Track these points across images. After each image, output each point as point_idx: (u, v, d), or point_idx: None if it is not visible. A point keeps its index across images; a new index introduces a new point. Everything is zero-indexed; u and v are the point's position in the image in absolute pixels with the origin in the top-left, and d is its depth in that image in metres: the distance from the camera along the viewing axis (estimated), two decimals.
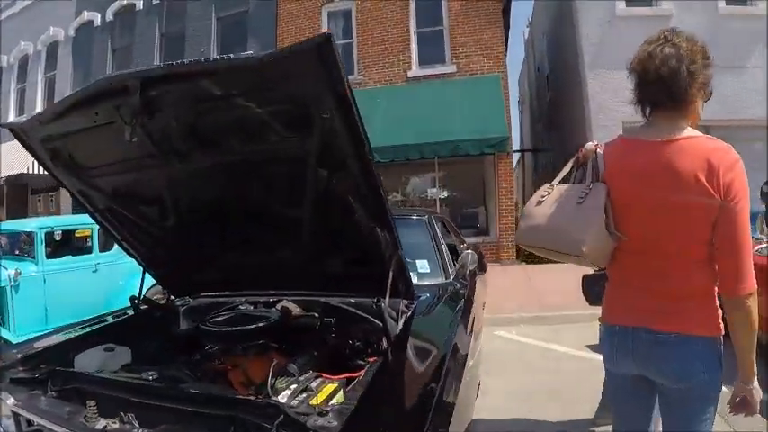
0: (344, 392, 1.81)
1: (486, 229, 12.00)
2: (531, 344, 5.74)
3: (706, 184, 1.48)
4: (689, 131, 1.58)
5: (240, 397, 1.66)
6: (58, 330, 2.39)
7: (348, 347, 2.37)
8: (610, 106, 10.58)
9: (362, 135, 1.65)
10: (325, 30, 11.77)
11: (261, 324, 2.22)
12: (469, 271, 3.68)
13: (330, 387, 1.87)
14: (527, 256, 11.95)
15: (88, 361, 2.05)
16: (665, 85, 1.55)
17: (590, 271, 3.18)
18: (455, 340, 2.19)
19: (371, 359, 2.25)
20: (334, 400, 1.76)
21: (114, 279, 6.24)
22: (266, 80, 1.56)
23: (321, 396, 1.78)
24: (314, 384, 1.86)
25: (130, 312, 2.67)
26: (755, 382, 1.59)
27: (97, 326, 2.47)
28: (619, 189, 1.63)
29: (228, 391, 1.85)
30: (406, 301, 2.37)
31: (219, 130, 1.83)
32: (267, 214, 2.16)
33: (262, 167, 1.97)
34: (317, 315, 2.65)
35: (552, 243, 1.72)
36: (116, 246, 6.12)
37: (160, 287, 4.74)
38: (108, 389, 1.68)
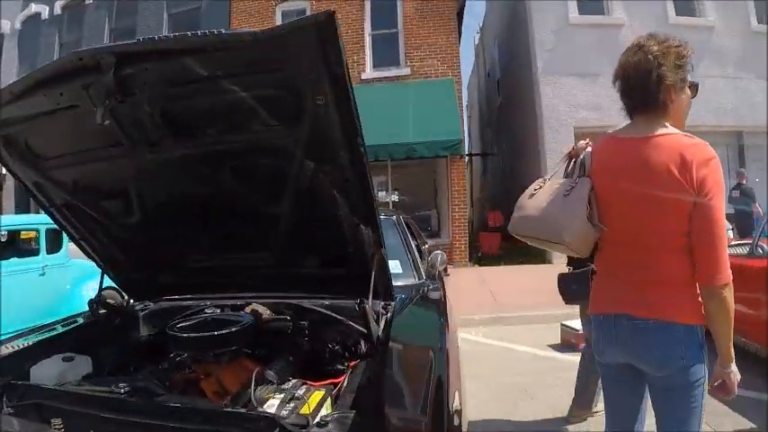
0: (333, 400, 1.72)
1: (438, 231, 12.12)
2: (495, 345, 5.78)
3: (679, 177, 1.56)
4: (667, 129, 1.66)
5: (229, 410, 1.52)
6: (7, 339, 2.16)
7: (326, 351, 2.26)
8: (562, 111, 10.94)
9: (357, 124, 1.56)
10: None
11: (234, 329, 2.08)
12: (438, 272, 3.66)
13: (318, 394, 1.75)
14: (479, 259, 12.15)
15: (45, 372, 1.86)
16: (638, 91, 1.68)
17: (565, 270, 3.30)
18: (442, 341, 2.14)
19: (351, 363, 2.16)
20: (323, 409, 1.66)
21: (62, 283, 5.86)
22: (257, 60, 1.43)
23: (311, 404, 1.68)
24: (300, 392, 1.75)
25: (83, 319, 2.47)
26: (733, 366, 1.67)
27: (52, 333, 2.26)
28: (602, 183, 1.73)
29: (216, 405, 1.70)
30: (383, 303, 2.28)
31: (197, 116, 1.68)
32: (242, 211, 2.03)
33: (240, 159, 1.83)
34: (289, 318, 2.54)
35: (541, 232, 1.81)
36: (64, 248, 5.88)
37: (113, 291, 4.52)
38: (75, 404, 1.51)
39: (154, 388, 1.78)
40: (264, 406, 1.65)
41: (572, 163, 1.85)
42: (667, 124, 1.68)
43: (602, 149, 1.79)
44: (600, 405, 3.56)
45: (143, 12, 13.47)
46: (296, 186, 1.86)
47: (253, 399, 1.68)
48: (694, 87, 1.76)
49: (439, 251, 3.96)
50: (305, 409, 1.59)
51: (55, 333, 2.25)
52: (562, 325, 5.74)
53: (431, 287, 3.12)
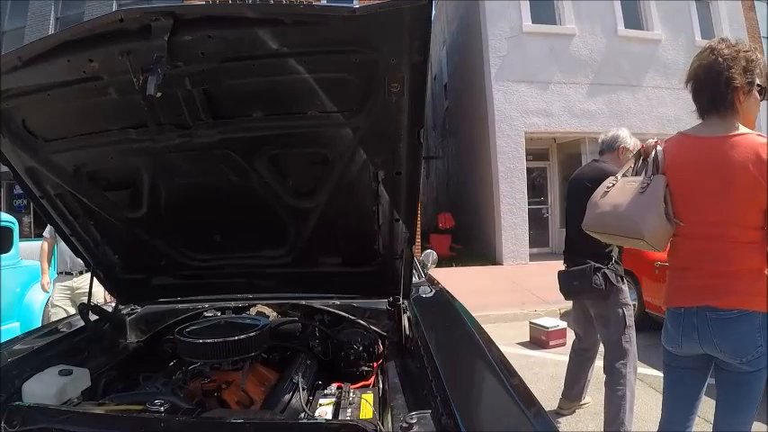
0: (387, 401, 1.60)
1: None
2: None
3: (756, 174, 1.65)
4: (741, 129, 1.75)
5: (328, 421, 1.39)
6: None
7: (347, 353, 2.09)
8: (513, 116, 11.17)
9: (424, 115, 1.48)
10: None
11: (253, 333, 1.86)
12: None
13: (367, 397, 1.64)
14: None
15: (41, 389, 1.56)
16: (708, 93, 1.78)
17: (562, 267, 3.33)
18: (475, 334, 2.04)
19: (375, 364, 2.06)
20: (378, 412, 1.52)
21: (11, 286, 5.20)
22: (338, 39, 1.29)
23: (366, 409, 1.54)
24: (352, 396, 1.61)
25: (65, 326, 2.16)
26: None
27: (37, 341, 1.94)
28: (678, 180, 1.80)
29: (311, 419, 1.50)
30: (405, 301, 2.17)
31: (244, 96, 1.48)
32: (266, 205, 1.85)
33: (282, 147, 1.66)
34: (297, 319, 2.37)
35: (618, 229, 1.88)
36: (15, 247, 5.22)
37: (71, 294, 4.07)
38: (102, 428, 1.26)
39: (179, 402, 1.54)
40: (317, 413, 1.56)
41: (641, 161, 1.93)
42: (739, 125, 1.75)
43: (676, 147, 1.86)
44: (588, 397, 3.63)
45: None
46: (338, 179, 1.72)
47: (304, 407, 1.59)
48: (764, 91, 1.80)
49: (430, 250, 3.89)
50: (364, 414, 1.51)
51: (42, 343, 1.93)
52: (531, 323, 5.85)
53: (432, 285, 3.02)
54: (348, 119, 1.51)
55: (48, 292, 4.73)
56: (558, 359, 4.97)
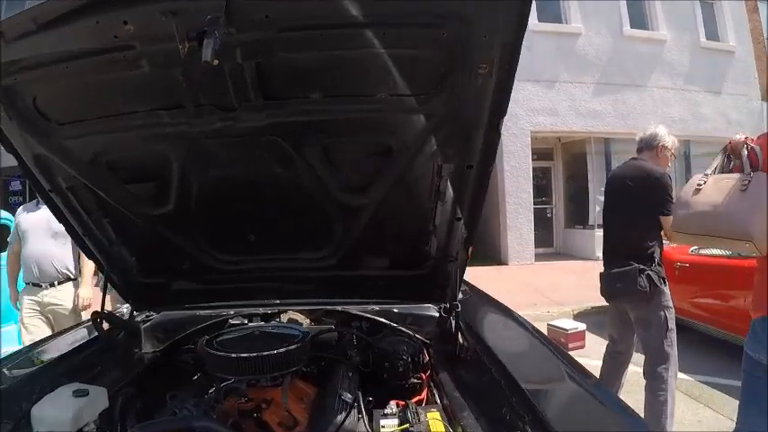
0: (454, 420, 1.43)
1: None
2: None
3: None
4: None
5: None
6: None
7: (394, 363, 1.87)
8: (519, 115, 10.99)
9: (507, 102, 1.32)
10: None
11: (294, 345, 1.64)
12: None
13: (434, 416, 1.43)
14: None
15: (55, 413, 1.31)
16: None
17: (601, 269, 3.18)
18: (541, 339, 1.90)
19: (423, 376, 1.85)
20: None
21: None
22: (427, 10, 1.14)
23: (438, 429, 1.35)
24: (422, 416, 1.41)
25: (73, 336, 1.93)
26: None
27: (43, 355, 1.71)
28: None
29: None
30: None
31: (303, 74, 1.28)
32: (310, 202, 1.64)
33: (340, 134, 1.46)
34: (335, 327, 2.16)
35: (719, 230, 1.77)
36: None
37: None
38: None
39: (220, 429, 1.31)
40: None
41: (727, 158, 1.85)
42: None
43: None
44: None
45: None
46: (399, 172, 1.54)
47: (367, 428, 1.40)
48: None
49: None
50: None
51: (49, 357, 1.70)
52: (549, 325, 5.69)
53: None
54: (423, 103, 1.34)
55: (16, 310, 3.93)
56: (581, 362, 4.78)
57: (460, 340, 1.82)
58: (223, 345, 1.67)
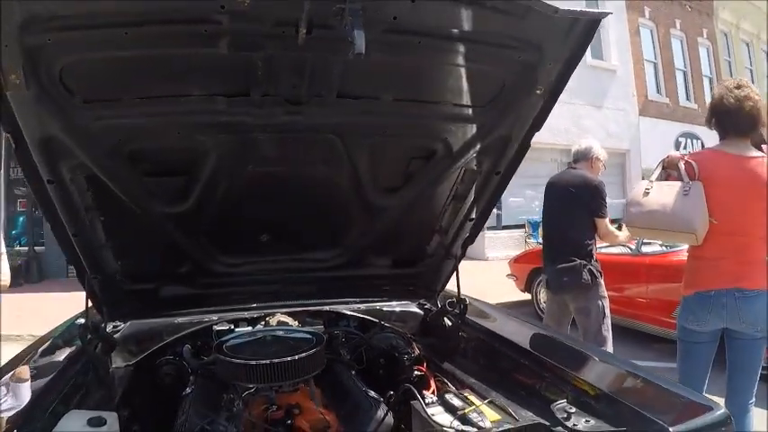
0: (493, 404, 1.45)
1: None
2: None
3: None
4: (756, 152, 2.15)
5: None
6: None
7: (400, 359, 1.88)
8: None
9: (545, 119, 1.49)
10: None
11: (314, 349, 1.58)
12: None
13: (472, 398, 1.45)
14: None
15: None
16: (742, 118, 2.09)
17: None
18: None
19: (420, 368, 1.86)
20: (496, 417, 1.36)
21: None
22: (517, 35, 1.27)
23: (489, 412, 1.37)
24: (456, 402, 1.42)
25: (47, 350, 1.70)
26: None
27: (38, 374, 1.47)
28: (713, 186, 2.07)
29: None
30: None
31: (382, 76, 1.32)
32: (343, 202, 1.64)
33: (389, 137, 1.50)
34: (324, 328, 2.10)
35: (668, 224, 2.13)
36: None
37: None
38: None
39: None
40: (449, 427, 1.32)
41: (662, 169, 2.23)
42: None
43: (707, 159, 2.18)
44: None
45: None
46: (433, 176, 1.63)
47: (429, 420, 1.33)
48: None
49: None
50: (491, 416, 1.35)
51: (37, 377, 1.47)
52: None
53: None
54: (478, 115, 1.47)
55: None
56: None
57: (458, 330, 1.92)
58: (236, 352, 1.57)
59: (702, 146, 15.27)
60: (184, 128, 1.33)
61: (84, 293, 1.72)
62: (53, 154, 1.32)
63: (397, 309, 2.25)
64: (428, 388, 1.78)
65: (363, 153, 1.50)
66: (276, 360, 1.46)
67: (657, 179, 2.24)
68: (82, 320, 2.14)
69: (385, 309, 2.20)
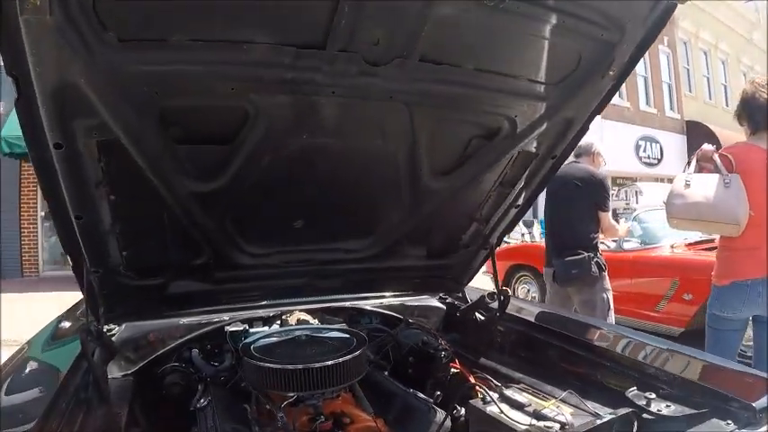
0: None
1: None
2: None
3: None
4: None
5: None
6: None
7: (436, 356, 1.73)
8: None
9: (607, 104, 1.48)
10: None
11: (357, 351, 1.39)
12: None
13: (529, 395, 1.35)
14: None
15: None
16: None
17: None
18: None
19: (455, 365, 1.72)
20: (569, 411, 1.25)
21: None
22: (607, 12, 1.23)
23: (563, 408, 1.26)
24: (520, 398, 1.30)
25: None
26: None
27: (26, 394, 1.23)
28: (749, 179, 2.13)
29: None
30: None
31: (468, 43, 1.21)
32: (393, 182, 1.48)
33: (459, 108, 1.37)
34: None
35: (712, 216, 2.18)
36: None
37: None
38: None
39: None
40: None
41: (696, 161, 2.27)
42: None
43: (742, 152, 2.23)
44: None
45: None
46: (493, 157, 1.51)
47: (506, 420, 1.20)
48: None
49: None
50: (567, 411, 1.25)
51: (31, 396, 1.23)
52: None
53: None
54: (549, 93, 1.38)
55: None
56: None
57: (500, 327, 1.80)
58: (267, 355, 1.37)
59: (661, 149, 15.93)
60: (240, 83, 1.10)
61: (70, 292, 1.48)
62: (68, 109, 1.05)
63: (418, 303, 2.10)
64: (466, 385, 1.64)
65: (428, 128, 1.35)
66: (322, 363, 1.28)
67: (691, 171, 2.28)
68: (67, 324, 1.93)
69: (407, 304, 2.04)
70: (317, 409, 1.31)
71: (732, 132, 15.87)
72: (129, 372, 1.61)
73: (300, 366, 1.27)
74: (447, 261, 1.87)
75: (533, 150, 1.53)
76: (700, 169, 2.29)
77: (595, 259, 3.16)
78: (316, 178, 1.39)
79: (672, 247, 4.89)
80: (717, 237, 4.41)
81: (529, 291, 6.18)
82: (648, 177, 14.28)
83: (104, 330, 1.50)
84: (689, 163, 2.33)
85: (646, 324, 4.63)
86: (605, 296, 3.22)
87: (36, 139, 1.08)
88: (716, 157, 2.21)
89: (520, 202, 1.67)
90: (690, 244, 4.90)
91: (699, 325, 4.14)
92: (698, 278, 4.27)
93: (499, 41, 1.23)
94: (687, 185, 2.23)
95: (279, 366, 1.29)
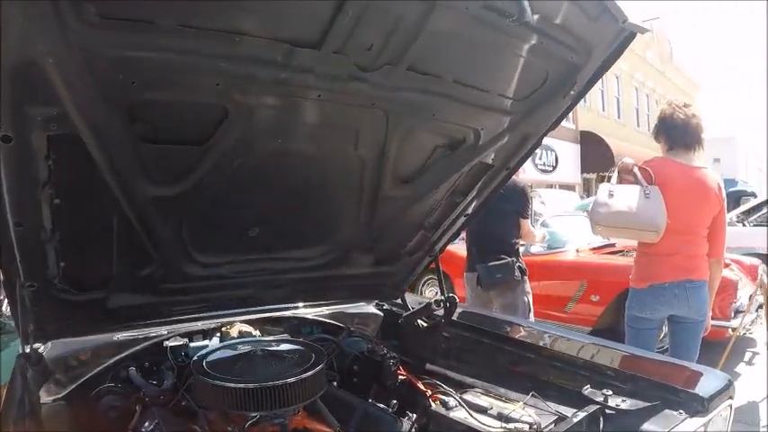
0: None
1: None
2: None
3: (719, 195, 2.43)
4: (700, 162, 2.49)
5: None
6: None
7: (384, 364, 1.72)
8: None
9: (561, 121, 1.59)
10: None
11: (315, 364, 1.36)
12: None
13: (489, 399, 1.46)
14: None
15: None
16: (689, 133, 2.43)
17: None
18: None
19: (401, 372, 1.74)
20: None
21: None
22: (580, 36, 1.31)
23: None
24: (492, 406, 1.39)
25: None
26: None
27: None
28: (667, 190, 2.33)
29: None
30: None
31: (452, 56, 1.25)
32: (355, 190, 1.49)
33: (431, 119, 1.40)
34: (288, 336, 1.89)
35: (633, 224, 2.35)
36: None
37: None
38: None
39: None
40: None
41: (618, 174, 2.46)
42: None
43: (661, 167, 2.43)
44: None
45: None
46: (454, 167, 1.57)
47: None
48: None
49: None
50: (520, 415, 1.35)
51: None
52: None
53: None
54: (514, 107, 1.46)
55: None
56: None
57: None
58: (220, 372, 1.30)
59: (556, 157, 17.10)
60: (227, 78, 1.03)
61: None
62: (26, 94, 0.92)
63: (357, 311, 2.11)
64: (421, 392, 1.66)
65: (399, 136, 1.36)
66: (286, 380, 1.24)
67: (618, 182, 2.48)
68: None
69: (347, 312, 2.04)
70: (284, 427, 1.26)
71: (619, 141, 17.47)
72: (60, 395, 1.46)
73: (268, 384, 1.22)
74: (392, 268, 1.89)
75: (490, 162, 1.59)
76: (620, 181, 2.47)
77: (518, 264, 3.33)
78: (277, 183, 1.35)
79: (577, 251, 5.21)
80: (620, 241, 4.84)
81: (437, 293, 6.37)
82: (543, 184, 15.23)
83: (41, 353, 1.34)
84: (610, 176, 2.54)
85: (555, 324, 4.96)
86: (526, 299, 3.39)
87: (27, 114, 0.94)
88: (636, 170, 2.41)
89: (470, 211, 1.74)
90: (594, 248, 5.24)
91: (606, 325, 4.55)
92: (604, 280, 4.65)
93: (481, 56, 1.27)
94: (611, 195, 2.40)
95: (242, 385, 1.23)
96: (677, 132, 2.44)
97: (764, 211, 7.25)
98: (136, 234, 1.28)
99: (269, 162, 1.28)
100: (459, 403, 1.33)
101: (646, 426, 1.21)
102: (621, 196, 2.37)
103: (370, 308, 2.13)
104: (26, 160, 1.01)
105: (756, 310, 4.16)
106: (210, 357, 1.41)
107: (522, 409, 1.28)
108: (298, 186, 1.39)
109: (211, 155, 1.17)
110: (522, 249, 5.59)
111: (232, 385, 1.24)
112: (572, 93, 1.44)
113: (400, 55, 1.13)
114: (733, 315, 4.12)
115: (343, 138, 1.32)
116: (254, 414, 1.26)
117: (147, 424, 1.35)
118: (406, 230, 1.76)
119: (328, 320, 1.94)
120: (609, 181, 2.51)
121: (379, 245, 1.76)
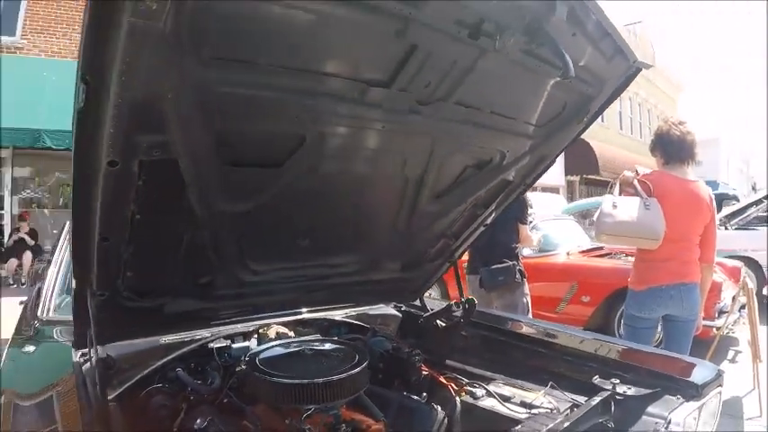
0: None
1: None
2: None
3: (710, 205, 2.66)
4: (694, 176, 2.72)
5: None
6: None
7: (410, 360, 1.86)
8: None
9: (574, 143, 1.78)
10: None
11: (361, 361, 1.51)
12: None
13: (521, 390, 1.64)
14: None
15: None
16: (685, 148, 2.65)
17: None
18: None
19: (424, 368, 1.89)
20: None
21: None
22: (597, 71, 1.46)
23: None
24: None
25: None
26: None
27: None
28: (665, 202, 2.54)
29: None
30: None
31: (491, 90, 1.42)
32: (396, 203, 1.67)
33: (469, 144, 1.59)
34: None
35: (636, 232, 2.55)
36: None
37: None
38: None
39: None
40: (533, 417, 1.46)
41: (619, 186, 2.66)
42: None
43: (660, 180, 2.62)
44: None
45: None
46: (480, 184, 1.74)
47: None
48: None
49: None
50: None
51: None
52: None
53: None
54: (536, 133, 1.63)
55: None
56: None
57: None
58: (274, 370, 1.44)
59: None
60: (309, 113, 1.18)
61: None
62: (140, 122, 1.00)
63: (379, 312, 2.28)
64: (445, 386, 1.82)
65: (440, 158, 1.54)
66: (340, 375, 1.40)
67: (619, 193, 2.69)
68: (31, 348, 1.83)
69: (369, 313, 2.21)
70: (338, 418, 1.41)
71: (602, 144, 17.76)
72: (111, 396, 1.58)
73: (321, 380, 1.37)
74: (414, 273, 2.05)
75: (510, 179, 1.77)
76: (621, 192, 2.67)
77: (518, 267, 3.51)
78: (330, 198, 1.51)
79: (568, 253, 5.40)
80: (608, 246, 5.03)
81: (431, 294, 6.59)
82: None
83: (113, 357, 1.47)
84: (612, 188, 2.74)
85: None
86: (525, 300, 3.57)
87: (88, 154, 1.01)
88: (636, 183, 2.62)
89: (488, 221, 1.91)
90: (584, 251, 5.46)
91: (596, 325, 4.75)
92: (595, 282, 4.84)
93: (514, 90, 1.45)
94: (615, 206, 2.60)
95: (302, 381, 1.37)
96: (673, 148, 2.65)
97: (747, 214, 7.45)
98: (203, 246, 1.42)
99: (327, 181, 1.44)
100: (488, 392, 1.51)
101: (650, 408, 1.41)
102: (624, 208, 2.56)
103: (390, 309, 2.29)
104: (124, 182, 1.12)
105: (739, 311, 4.37)
106: (263, 356, 1.55)
107: (543, 397, 1.46)
108: (346, 201, 1.56)
109: (284, 176, 1.32)
110: None
111: (292, 381, 1.38)
112: (585, 119, 1.62)
113: (451, 91, 1.31)
114: (717, 315, 4.35)
115: (394, 161, 1.49)
116: (308, 407, 1.39)
117: (199, 421, 1.43)
118: (432, 239, 1.92)
119: (354, 321, 2.09)
120: (611, 192, 2.70)
121: (407, 252, 1.92)
